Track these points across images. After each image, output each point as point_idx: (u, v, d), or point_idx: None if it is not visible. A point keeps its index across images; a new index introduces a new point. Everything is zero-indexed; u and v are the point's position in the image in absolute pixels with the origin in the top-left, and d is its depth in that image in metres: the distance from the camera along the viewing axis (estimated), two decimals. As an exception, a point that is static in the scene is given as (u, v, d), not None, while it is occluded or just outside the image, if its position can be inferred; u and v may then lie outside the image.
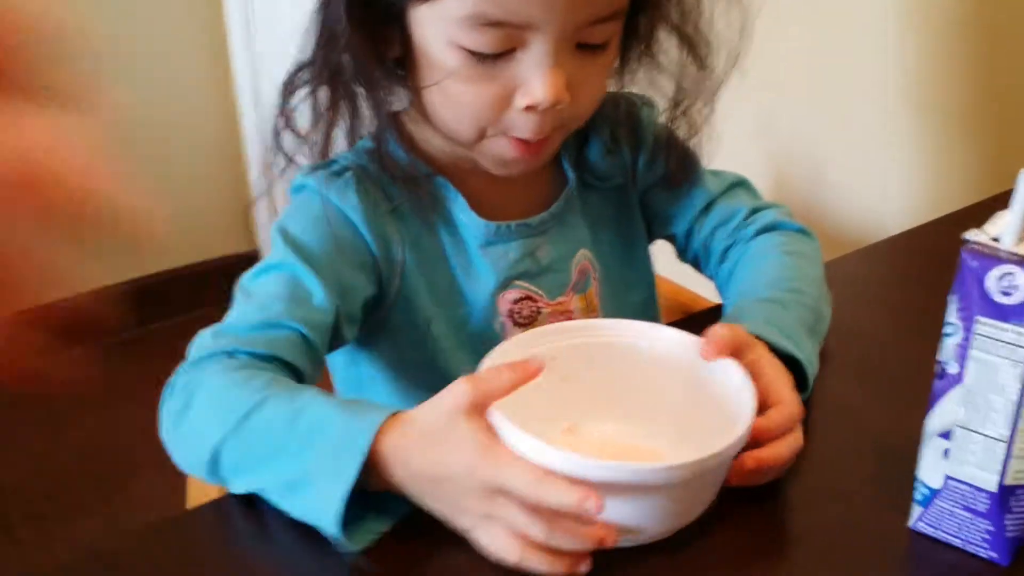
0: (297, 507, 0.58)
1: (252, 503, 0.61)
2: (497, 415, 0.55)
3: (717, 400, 0.61)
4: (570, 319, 0.79)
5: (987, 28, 1.13)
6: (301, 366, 0.66)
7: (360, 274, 0.72)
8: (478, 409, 0.55)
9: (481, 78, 0.66)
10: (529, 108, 0.66)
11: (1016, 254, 0.52)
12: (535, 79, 0.65)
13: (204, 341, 0.66)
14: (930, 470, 0.57)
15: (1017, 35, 1.10)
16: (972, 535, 0.56)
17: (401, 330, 0.76)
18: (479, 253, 0.76)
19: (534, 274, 0.78)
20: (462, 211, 0.76)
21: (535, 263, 0.78)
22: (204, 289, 2.48)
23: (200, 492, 1.05)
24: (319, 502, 0.55)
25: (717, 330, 0.63)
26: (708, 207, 0.84)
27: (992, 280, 0.52)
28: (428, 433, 0.55)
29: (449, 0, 0.64)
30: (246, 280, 0.71)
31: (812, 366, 0.69)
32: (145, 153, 2.35)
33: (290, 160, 0.74)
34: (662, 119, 0.81)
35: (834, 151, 1.33)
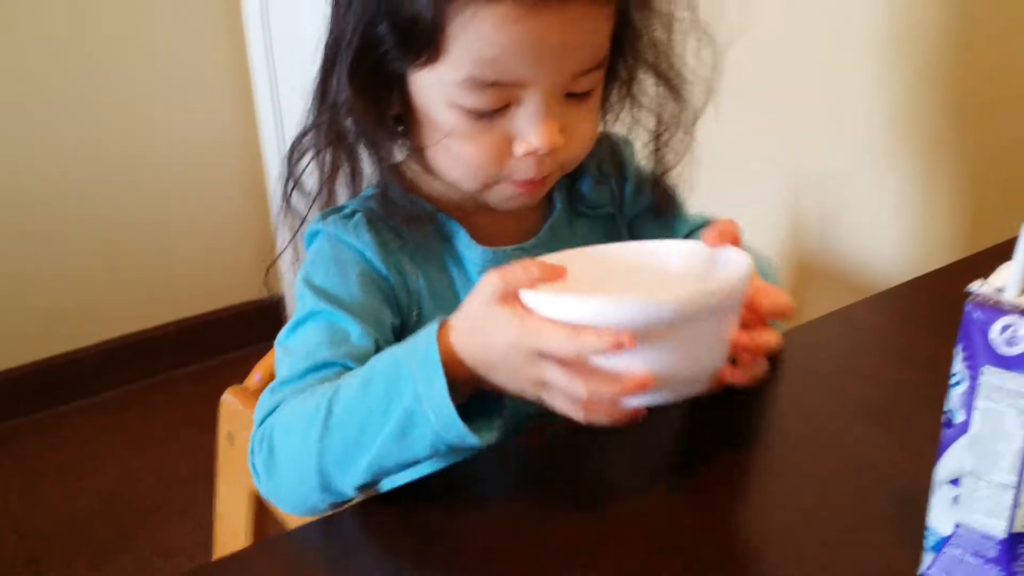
0: (418, 445, 0.63)
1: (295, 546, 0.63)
2: (526, 292, 0.61)
3: (710, 271, 0.68)
4: None
5: (980, 74, 1.15)
6: None
7: (384, 305, 0.76)
8: (509, 295, 0.61)
9: (480, 133, 0.71)
10: (528, 154, 0.72)
11: (1019, 306, 0.54)
12: (531, 130, 0.71)
13: (264, 401, 0.70)
14: (940, 517, 0.58)
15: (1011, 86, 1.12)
16: (983, 582, 0.57)
17: None
18: (480, 278, 0.80)
19: None
20: (463, 242, 0.81)
21: None
22: (225, 336, 2.53)
23: (230, 537, 1.08)
24: (434, 421, 0.61)
25: (723, 221, 0.69)
26: (689, 236, 0.90)
27: (996, 331, 0.54)
28: (471, 324, 0.62)
29: (446, 65, 0.69)
30: (283, 338, 0.74)
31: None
32: (172, 205, 2.41)
33: (303, 220, 0.80)
34: (646, 152, 0.86)
35: (848, 199, 1.35)
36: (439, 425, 0.62)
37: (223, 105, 2.42)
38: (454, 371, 0.62)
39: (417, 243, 0.80)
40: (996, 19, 1.12)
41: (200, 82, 2.38)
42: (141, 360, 2.43)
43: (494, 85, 0.69)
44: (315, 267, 0.77)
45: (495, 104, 0.70)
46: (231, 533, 1.07)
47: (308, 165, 0.78)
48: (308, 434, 0.65)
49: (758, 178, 1.45)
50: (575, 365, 0.59)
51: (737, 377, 0.67)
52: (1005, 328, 0.53)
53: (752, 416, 0.79)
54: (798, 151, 1.40)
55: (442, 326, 0.64)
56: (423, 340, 0.63)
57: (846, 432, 0.73)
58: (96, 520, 1.93)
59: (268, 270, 0.84)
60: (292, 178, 0.78)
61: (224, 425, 1.04)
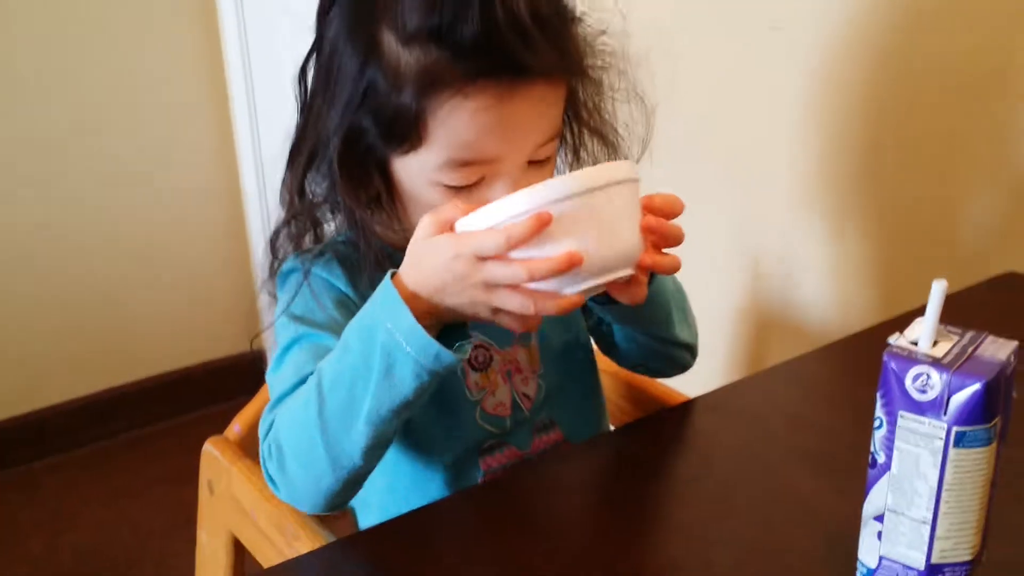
0: (405, 381, 0.69)
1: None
2: (458, 221, 0.69)
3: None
4: (517, 367, 0.92)
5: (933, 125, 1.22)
6: None
7: None
8: (442, 226, 0.69)
9: None
10: None
11: (930, 356, 0.59)
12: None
13: (265, 418, 0.78)
14: (868, 551, 0.63)
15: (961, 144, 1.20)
16: (906, 610, 0.62)
17: None
18: None
19: (487, 328, 0.89)
20: None
21: None
22: (201, 391, 2.55)
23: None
24: (410, 349, 0.68)
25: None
26: None
27: (910, 379, 0.59)
28: (417, 259, 0.70)
29: (427, 151, 0.76)
30: (271, 369, 0.81)
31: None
32: (150, 260, 2.43)
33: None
34: None
35: (806, 255, 1.41)
36: (415, 351, 0.68)
37: (205, 161, 2.46)
38: (413, 306, 0.68)
39: (380, 277, 0.86)
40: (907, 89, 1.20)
41: (182, 138, 2.42)
42: (117, 415, 2.45)
43: (470, 164, 0.76)
44: (295, 300, 0.84)
45: (472, 179, 0.77)
46: (211, 581, 1.10)
47: (287, 241, 0.86)
48: (307, 416, 0.72)
49: (715, 227, 1.51)
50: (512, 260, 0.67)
51: (656, 260, 0.73)
52: (917, 376, 0.59)
53: (699, 458, 0.85)
54: (755, 211, 1.46)
55: (393, 275, 0.71)
56: (380, 289, 0.70)
57: (787, 476, 0.79)
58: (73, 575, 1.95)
59: (253, 339, 0.93)
60: (277, 261, 0.86)
61: (205, 474, 1.08)
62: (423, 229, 0.70)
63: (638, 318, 0.86)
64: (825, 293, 1.39)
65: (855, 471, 0.78)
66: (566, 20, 0.80)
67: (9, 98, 2.17)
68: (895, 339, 0.62)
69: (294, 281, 0.85)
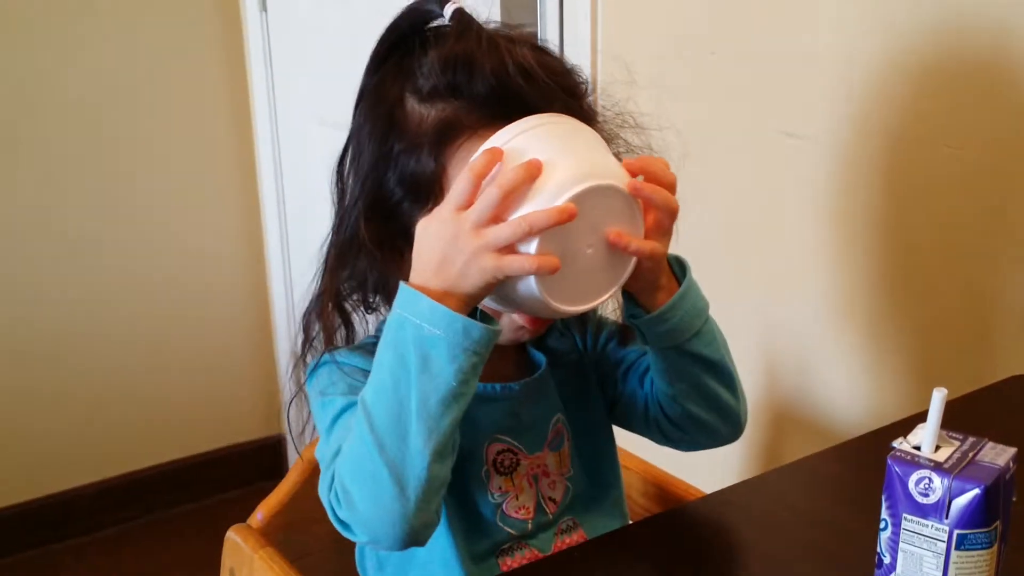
0: (444, 368, 0.70)
1: None
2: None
3: None
4: (545, 471, 0.93)
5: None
6: None
7: None
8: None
9: None
10: None
11: (932, 460, 0.62)
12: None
13: (324, 477, 0.78)
14: (875, 650, 0.65)
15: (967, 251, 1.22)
16: None
17: None
18: (474, 410, 0.87)
19: (516, 431, 0.91)
20: None
21: (517, 421, 0.92)
22: (221, 476, 2.55)
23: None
24: (440, 332, 0.70)
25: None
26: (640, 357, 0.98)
27: (912, 483, 0.62)
28: (416, 253, 0.73)
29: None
30: (320, 450, 0.82)
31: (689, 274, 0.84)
32: (172, 345, 2.45)
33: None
34: None
35: (822, 354, 1.43)
36: (442, 330, 0.69)
37: (230, 248, 2.49)
38: (439, 298, 0.70)
39: None
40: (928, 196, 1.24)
41: (208, 224, 2.45)
42: (137, 499, 2.45)
43: None
44: (330, 383, 0.85)
45: None
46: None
47: (316, 329, 0.88)
48: (361, 442, 0.72)
49: (735, 326, 1.53)
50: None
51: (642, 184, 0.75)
52: (920, 480, 0.62)
53: (713, 553, 0.86)
54: (771, 304, 1.49)
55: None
56: (397, 295, 0.72)
57: (798, 573, 0.80)
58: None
59: (287, 407, 0.92)
60: (308, 339, 0.88)
61: (227, 562, 1.10)
62: (417, 228, 0.73)
63: (671, 328, 0.84)
64: (841, 392, 1.41)
65: (864, 570, 0.79)
66: (576, 82, 0.85)
67: (29, 184, 2.22)
68: (899, 443, 0.65)
69: (327, 370, 0.86)
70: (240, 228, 2.49)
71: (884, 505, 0.64)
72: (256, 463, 2.57)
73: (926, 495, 0.61)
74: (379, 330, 0.88)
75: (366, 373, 0.84)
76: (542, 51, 0.83)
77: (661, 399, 0.92)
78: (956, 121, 1.18)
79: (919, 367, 1.32)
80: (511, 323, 0.86)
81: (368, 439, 0.71)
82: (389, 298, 0.85)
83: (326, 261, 0.88)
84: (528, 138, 0.73)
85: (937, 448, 0.63)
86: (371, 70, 0.85)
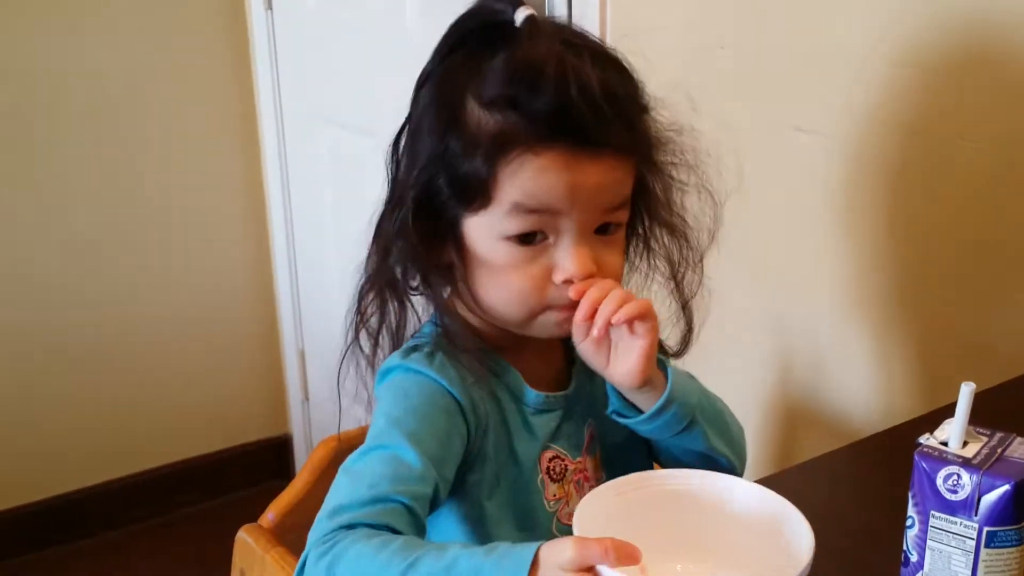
0: None
1: None
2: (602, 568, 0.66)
3: (784, 551, 0.71)
4: (586, 477, 0.93)
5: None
6: (408, 534, 0.76)
7: (456, 441, 0.83)
8: (580, 568, 0.65)
9: (525, 265, 0.81)
10: (566, 281, 0.81)
11: (960, 456, 0.61)
12: (567, 258, 0.81)
13: (323, 524, 0.75)
14: (902, 650, 0.64)
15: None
16: None
17: (474, 486, 0.87)
18: (532, 420, 0.90)
19: (561, 438, 0.91)
20: (522, 384, 0.90)
21: (560, 429, 0.92)
22: (230, 476, 2.54)
23: None
24: None
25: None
26: None
27: (941, 479, 0.61)
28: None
29: (496, 206, 0.80)
30: (351, 462, 0.80)
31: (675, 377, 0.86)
32: (180, 340, 2.44)
33: (370, 356, 0.89)
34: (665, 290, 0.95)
35: (838, 351, 1.42)
36: None
37: (236, 247, 2.48)
38: None
39: (484, 377, 0.87)
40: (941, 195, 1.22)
41: (213, 223, 2.44)
42: (145, 500, 2.44)
43: (534, 211, 0.79)
44: (397, 400, 0.83)
45: (535, 227, 0.80)
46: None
47: (371, 308, 0.88)
48: None
49: (748, 324, 1.52)
50: None
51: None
52: (948, 476, 0.60)
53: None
54: (784, 302, 1.47)
55: (533, 564, 0.67)
56: (514, 566, 0.66)
57: (817, 574, 0.79)
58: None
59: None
60: (360, 316, 0.88)
61: (238, 562, 1.09)
62: (563, 556, 0.66)
63: (656, 427, 0.86)
64: (856, 390, 1.40)
65: (886, 570, 0.78)
66: (637, 104, 0.85)
67: (32, 187, 2.21)
68: (925, 439, 0.64)
69: (398, 381, 0.85)
70: (246, 227, 2.48)
71: (911, 502, 0.62)
72: (263, 463, 2.56)
73: (955, 492, 0.60)
74: (432, 322, 0.88)
75: (440, 392, 0.83)
76: (609, 67, 0.82)
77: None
78: (973, 116, 1.17)
79: (933, 364, 1.31)
80: (545, 320, 0.85)
81: None
82: (430, 287, 0.86)
83: (376, 241, 0.87)
84: None
85: (964, 444, 0.62)
86: (437, 59, 0.85)
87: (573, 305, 0.82)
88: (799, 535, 0.71)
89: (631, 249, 0.93)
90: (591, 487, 0.91)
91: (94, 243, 2.29)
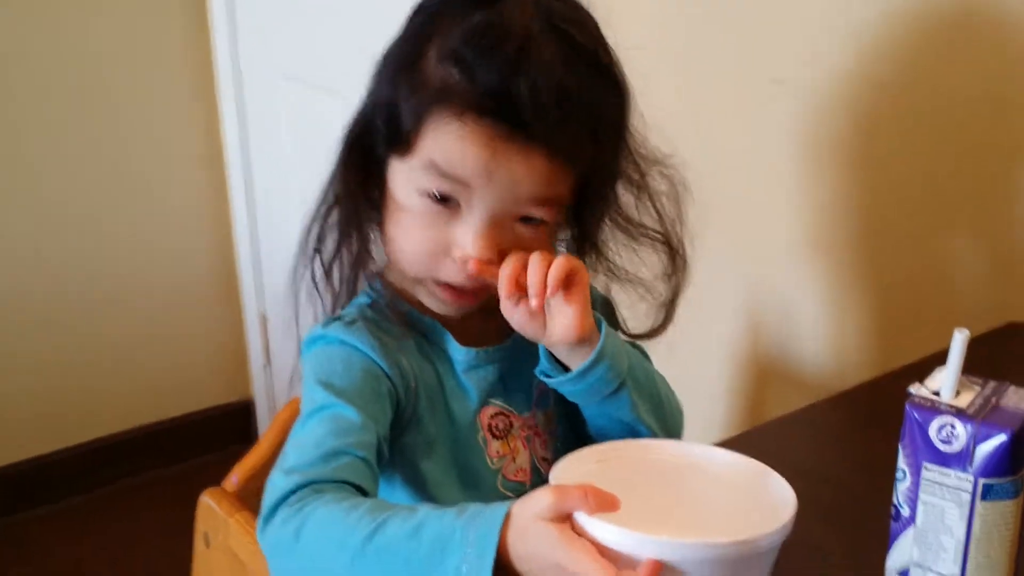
0: None
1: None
2: (580, 515, 0.63)
3: (756, 498, 0.69)
4: (536, 431, 0.90)
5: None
6: (366, 486, 0.74)
7: (384, 401, 0.81)
8: (559, 516, 0.63)
9: (429, 226, 0.78)
10: (461, 260, 0.78)
11: (954, 406, 0.58)
12: (468, 236, 0.77)
13: (278, 482, 0.73)
14: (892, 606, 0.62)
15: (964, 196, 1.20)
16: (933, 668, 0.60)
17: (411, 449, 0.84)
18: (464, 377, 0.87)
19: (505, 393, 0.88)
20: (450, 343, 0.86)
21: (503, 383, 0.88)
22: (192, 440, 2.52)
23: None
24: None
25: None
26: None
27: (934, 430, 0.58)
28: (520, 532, 0.64)
29: (416, 157, 0.77)
30: (293, 432, 0.78)
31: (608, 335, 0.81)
32: (140, 304, 2.40)
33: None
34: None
35: (804, 306, 1.40)
36: None
37: (196, 211, 2.44)
38: (499, 560, 0.64)
39: (411, 342, 0.85)
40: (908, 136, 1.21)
41: (171, 184, 2.39)
42: (108, 465, 2.40)
43: (447, 177, 0.76)
44: (321, 365, 0.81)
45: (447, 191, 0.77)
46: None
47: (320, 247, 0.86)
48: (344, 547, 0.67)
49: (717, 278, 1.50)
50: None
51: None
52: (942, 427, 0.58)
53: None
54: (754, 257, 1.46)
55: (506, 518, 0.65)
56: (486, 525, 0.64)
57: (801, 531, 0.77)
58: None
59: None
60: (308, 248, 0.86)
61: (201, 526, 1.05)
62: (541, 503, 0.64)
63: (583, 388, 0.83)
64: (823, 344, 1.38)
65: (868, 526, 0.76)
66: (602, 118, 0.80)
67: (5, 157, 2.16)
68: (916, 389, 0.61)
69: (323, 348, 0.83)
70: (204, 188, 2.43)
71: (901, 454, 0.60)
72: (226, 428, 2.54)
73: (948, 443, 0.58)
74: (370, 294, 0.86)
75: (361, 357, 0.81)
76: (586, 70, 0.77)
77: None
78: (940, 68, 1.15)
79: (906, 317, 1.30)
80: (431, 290, 0.82)
81: (350, 553, 0.67)
82: (359, 228, 0.84)
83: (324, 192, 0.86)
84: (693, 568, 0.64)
85: (957, 393, 0.60)
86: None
87: (457, 289, 0.80)
88: (781, 497, 0.68)
89: (587, 259, 0.89)
90: (543, 442, 0.90)
91: (50, 205, 2.24)
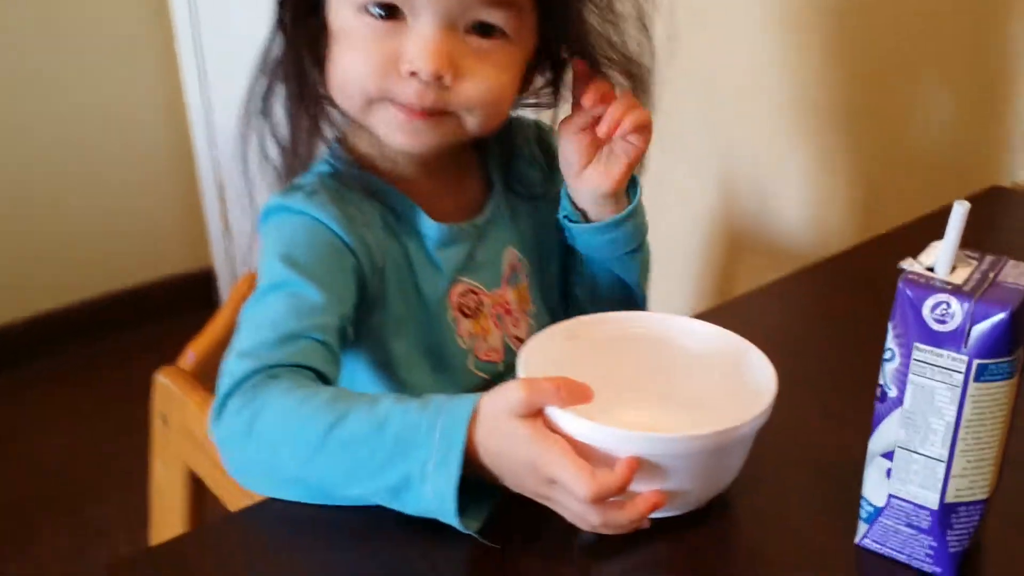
0: (405, 507, 0.63)
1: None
2: (553, 409, 0.61)
3: (735, 377, 0.68)
4: (507, 309, 0.86)
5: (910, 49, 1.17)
6: (326, 371, 0.70)
7: (349, 278, 0.76)
8: (531, 411, 0.61)
9: (373, 41, 0.72)
10: (412, 74, 0.71)
11: (949, 283, 0.55)
12: (418, 47, 0.71)
13: (231, 367, 0.68)
14: (874, 489, 0.60)
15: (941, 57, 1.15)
16: (916, 551, 0.58)
17: (378, 329, 0.80)
18: (436, 254, 0.82)
19: (474, 269, 0.84)
20: (420, 217, 0.81)
21: (473, 260, 0.84)
22: (152, 308, 2.50)
23: (167, 516, 1.06)
24: (430, 501, 0.61)
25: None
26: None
27: (927, 308, 0.55)
28: (492, 426, 0.61)
29: None
30: (248, 308, 0.73)
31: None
32: (96, 173, 2.37)
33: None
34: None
35: (780, 175, 1.36)
36: (434, 506, 0.61)
37: (149, 79, 2.38)
38: (467, 456, 0.61)
39: (377, 215, 0.80)
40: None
41: (124, 53, 2.33)
42: (65, 334, 2.39)
43: None
44: (282, 238, 0.76)
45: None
46: (168, 512, 1.05)
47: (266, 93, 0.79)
48: (303, 441, 0.64)
49: (691, 149, 1.46)
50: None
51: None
52: (936, 305, 0.55)
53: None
54: (727, 128, 1.41)
55: (474, 413, 0.62)
56: (453, 420, 0.61)
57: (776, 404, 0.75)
58: (27, 500, 1.90)
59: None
60: (254, 99, 0.80)
61: (158, 405, 1.02)
62: (510, 398, 0.61)
63: (609, 239, 0.82)
64: (798, 213, 1.35)
65: (843, 399, 0.74)
66: None
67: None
68: (909, 265, 0.58)
69: (282, 219, 0.77)
70: (154, 54, 2.37)
71: (891, 333, 0.57)
72: (188, 295, 2.53)
73: (943, 322, 0.54)
74: (330, 161, 0.80)
75: (323, 230, 0.76)
76: None
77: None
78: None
79: (887, 184, 1.27)
80: (383, 115, 0.75)
81: (310, 446, 0.64)
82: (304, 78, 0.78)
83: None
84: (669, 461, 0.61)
85: (953, 269, 0.56)
86: None
87: (410, 107, 0.73)
88: (761, 375, 0.67)
89: (540, 78, 0.84)
90: (514, 321, 0.86)
91: (7, 80, 2.19)
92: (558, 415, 0.61)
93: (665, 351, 0.73)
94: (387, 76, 0.72)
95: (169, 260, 2.53)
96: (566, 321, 0.72)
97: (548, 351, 0.69)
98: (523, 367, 0.66)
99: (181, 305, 2.45)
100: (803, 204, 1.35)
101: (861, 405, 0.64)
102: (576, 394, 0.62)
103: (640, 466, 0.59)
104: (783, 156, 1.35)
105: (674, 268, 1.54)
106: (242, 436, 0.66)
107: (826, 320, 0.91)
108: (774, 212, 1.39)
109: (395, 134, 0.75)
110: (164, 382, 1.00)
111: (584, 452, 0.60)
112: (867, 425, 0.60)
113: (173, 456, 1.03)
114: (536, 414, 0.61)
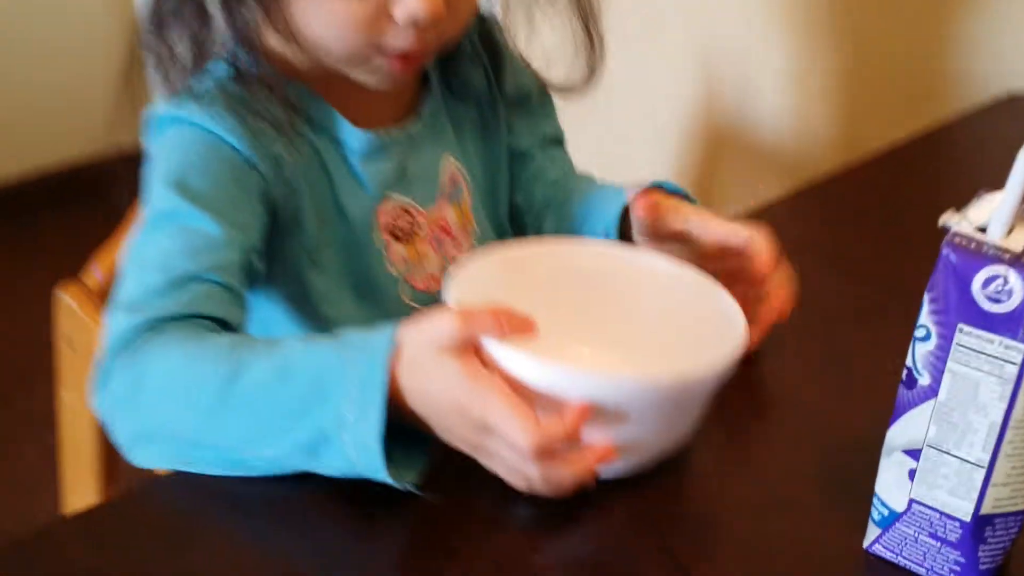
0: (326, 467, 0.54)
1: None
2: (490, 343, 0.52)
3: (702, 324, 0.59)
4: (447, 230, 0.76)
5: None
6: (228, 316, 0.60)
7: (255, 202, 0.65)
8: (467, 345, 0.52)
9: None
10: (409, 22, 0.62)
11: (1008, 251, 0.44)
12: None
13: (118, 321, 0.58)
14: (891, 489, 0.50)
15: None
16: (939, 565, 0.49)
17: (294, 259, 0.70)
18: (360, 167, 0.71)
19: (405, 183, 0.74)
20: (340, 125, 0.71)
21: (405, 173, 0.74)
22: (84, 186, 2.37)
23: (74, 455, 0.96)
24: (354, 457, 0.52)
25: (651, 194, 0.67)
26: (549, 144, 0.84)
27: (978, 283, 0.44)
28: (414, 365, 0.52)
29: None
30: (133, 247, 0.62)
31: None
32: (36, 47, 2.32)
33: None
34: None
35: (766, 77, 1.26)
36: (358, 461, 0.52)
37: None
38: (391, 399, 0.52)
39: (286, 123, 0.67)
40: None
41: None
42: (11, 208, 2.33)
43: None
44: (172, 158, 0.64)
45: None
46: (79, 452, 0.95)
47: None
48: (195, 399, 0.54)
49: (674, 48, 1.35)
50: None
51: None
52: (990, 280, 0.44)
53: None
54: (710, 26, 1.30)
55: (396, 348, 0.52)
56: (369, 359, 0.52)
57: (767, 364, 0.65)
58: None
59: None
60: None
61: (62, 327, 0.90)
62: (440, 330, 0.52)
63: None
64: (782, 116, 1.25)
65: (875, 382, 0.64)
66: None
67: None
68: (955, 222, 0.47)
69: (172, 135, 0.65)
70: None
71: (928, 308, 0.46)
72: (119, 173, 2.39)
73: (998, 301, 0.44)
74: (231, 60, 0.67)
75: (221, 145, 0.65)
76: None
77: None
78: None
79: (880, 91, 1.17)
80: (370, 65, 0.66)
81: (206, 407, 0.54)
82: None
83: None
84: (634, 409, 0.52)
85: (1010, 232, 0.45)
86: None
87: (405, 55, 0.64)
88: (727, 314, 0.58)
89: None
90: (456, 244, 0.75)
91: None
92: (497, 349, 0.51)
93: (624, 289, 0.64)
94: (379, 27, 0.63)
95: (119, 132, 2.41)
96: (509, 244, 0.63)
97: (484, 278, 0.59)
98: (452, 295, 0.56)
99: (134, 180, 2.34)
100: (787, 108, 1.25)
101: (877, 383, 0.54)
102: (517, 326, 0.52)
103: (593, 413, 0.50)
104: (766, 56, 1.25)
105: (652, 170, 1.44)
106: (126, 403, 0.55)
107: (820, 252, 0.79)
108: (756, 114, 1.29)
109: (379, 82, 0.68)
110: (68, 302, 0.87)
111: (526, 395, 0.51)
112: (882, 404, 0.50)
113: (81, 385, 0.91)
114: (469, 349, 0.52)
